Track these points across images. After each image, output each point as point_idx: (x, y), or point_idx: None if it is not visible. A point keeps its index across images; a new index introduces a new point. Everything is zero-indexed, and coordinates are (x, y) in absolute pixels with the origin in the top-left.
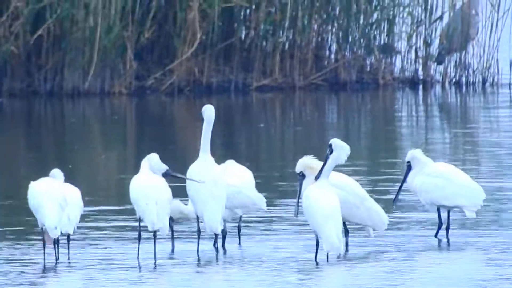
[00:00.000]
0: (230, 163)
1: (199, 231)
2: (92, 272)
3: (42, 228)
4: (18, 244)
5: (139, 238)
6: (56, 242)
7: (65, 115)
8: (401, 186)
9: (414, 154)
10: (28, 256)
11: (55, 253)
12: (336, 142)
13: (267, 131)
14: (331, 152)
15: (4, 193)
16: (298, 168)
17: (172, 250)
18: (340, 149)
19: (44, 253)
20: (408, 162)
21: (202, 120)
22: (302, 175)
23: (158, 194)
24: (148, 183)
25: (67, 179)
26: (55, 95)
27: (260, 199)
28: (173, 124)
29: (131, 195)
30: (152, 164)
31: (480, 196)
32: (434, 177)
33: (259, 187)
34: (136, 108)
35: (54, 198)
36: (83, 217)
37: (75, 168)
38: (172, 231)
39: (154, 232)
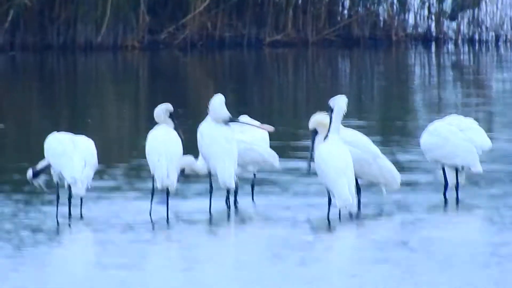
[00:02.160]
0: (244, 118)
1: (211, 188)
2: (103, 231)
3: (57, 182)
4: (30, 202)
5: (152, 195)
6: (69, 199)
7: (77, 69)
8: None
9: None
10: (41, 214)
11: (68, 210)
12: (333, 100)
13: (280, 86)
14: (332, 111)
15: (18, 148)
16: (311, 125)
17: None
18: (337, 101)
19: (57, 209)
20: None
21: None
22: (315, 132)
23: (168, 149)
24: (160, 138)
25: (82, 133)
26: (68, 49)
27: (272, 156)
28: (185, 79)
29: (146, 149)
30: (214, 110)
31: (475, 155)
32: (434, 135)
33: (272, 143)
34: (149, 62)
35: (79, 150)
36: (96, 173)
37: (87, 122)
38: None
39: (167, 190)
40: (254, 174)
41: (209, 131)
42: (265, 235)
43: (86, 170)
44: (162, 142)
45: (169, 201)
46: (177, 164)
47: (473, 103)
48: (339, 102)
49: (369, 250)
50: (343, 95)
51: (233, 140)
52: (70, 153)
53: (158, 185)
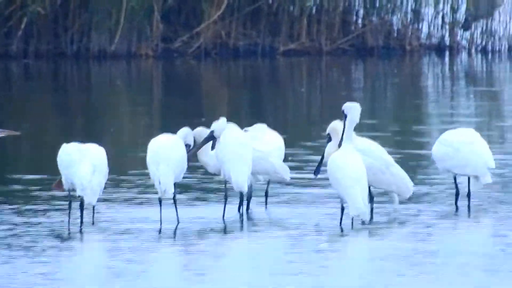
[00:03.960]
0: (260, 127)
1: (226, 196)
2: (115, 238)
3: (68, 190)
4: (44, 209)
5: (160, 202)
6: (81, 205)
7: (91, 77)
8: None
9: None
10: (52, 220)
11: (80, 217)
12: (346, 106)
13: (294, 95)
14: (346, 116)
15: (31, 156)
16: (327, 130)
17: None
18: (352, 109)
19: (69, 217)
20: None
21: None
22: (329, 137)
23: (167, 156)
24: (159, 146)
25: (95, 142)
26: (82, 57)
27: (284, 169)
28: (200, 87)
29: (146, 159)
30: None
31: (484, 165)
32: (445, 145)
33: (285, 152)
34: (163, 71)
35: (87, 158)
36: (108, 182)
37: (101, 131)
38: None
39: (174, 197)
40: (268, 182)
41: (225, 137)
42: (278, 243)
43: (96, 177)
44: (160, 149)
45: (177, 208)
46: (176, 170)
47: (485, 114)
48: (353, 111)
49: (381, 259)
50: (357, 103)
51: (249, 146)
52: (77, 162)
53: (159, 194)
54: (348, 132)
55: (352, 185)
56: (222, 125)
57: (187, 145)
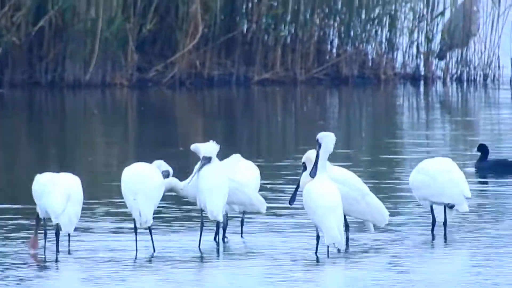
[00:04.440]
0: (236, 158)
1: (202, 224)
2: (90, 267)
3: (43, 218)
4: (19, 238)
5: (136, 232)
6: (57, 234)
7: (66, 106)
8: None
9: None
10: (28, 249)
11: (56, 246)
12: (320, 135)
13: (269, 125)
14: (320, 146)
15: (7, 186)
16: (303, 159)
17: None
18: (325, 139)
19: (44, 244)
20: None
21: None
22: (304, 166)
23: (144, 185)
24: (135, 175)
25: (73, 171)
26: (56, 86)
27: (260, 202)
28: (174, 117)
29: (121, 188)
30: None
31: (460, 193)
32: (422, 174)
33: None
34: (137, 100)
35: (60, 186)
36: (83, 210)
37: (76, 160)
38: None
39: (149, 227)
40: (244, 212)
41: (203, 171)
42: (253, 272)
43: (72, 206)
44: (136, 179)
45: (153, 237)
46: (154, 199)
47: (460, 143)
48: (327, 141)
49: None
50: (332, 133)
51: (225, 177)
52: (51, 192)
53: (137, 224)
54: (322, 162)
55: (327, 214)
56: (211, 148)
57: (165, 171)
